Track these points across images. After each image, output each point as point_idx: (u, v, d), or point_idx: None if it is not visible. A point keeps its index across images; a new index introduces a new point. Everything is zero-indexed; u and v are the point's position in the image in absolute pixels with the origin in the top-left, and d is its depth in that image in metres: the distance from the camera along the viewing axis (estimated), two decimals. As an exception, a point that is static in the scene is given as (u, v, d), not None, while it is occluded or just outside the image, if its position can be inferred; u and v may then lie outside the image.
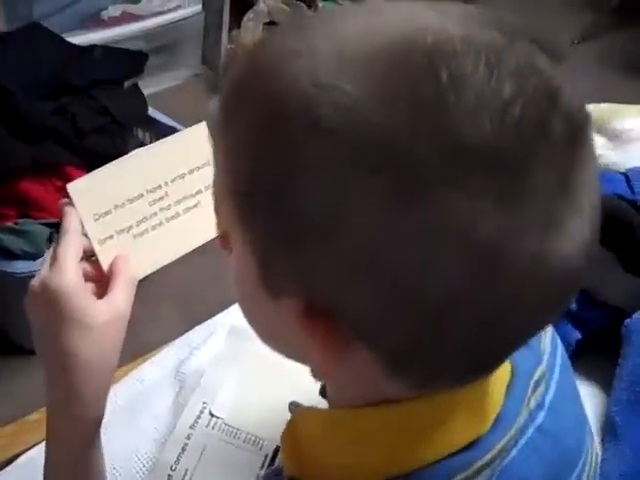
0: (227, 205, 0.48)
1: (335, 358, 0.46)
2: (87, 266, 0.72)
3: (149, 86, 1.93)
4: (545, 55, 0.43)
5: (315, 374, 0.51)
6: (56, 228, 1.58)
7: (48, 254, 0.70)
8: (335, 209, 0.41)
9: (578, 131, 0.43)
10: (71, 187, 0.71)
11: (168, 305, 1.84)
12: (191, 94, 2.55)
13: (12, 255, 1.55)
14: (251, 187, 0.45)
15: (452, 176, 0.40)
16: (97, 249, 0.72)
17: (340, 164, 0.41)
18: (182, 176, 0.76)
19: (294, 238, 0.44)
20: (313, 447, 0.55)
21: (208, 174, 0.75)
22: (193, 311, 1.75)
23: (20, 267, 1.55)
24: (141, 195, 0.74)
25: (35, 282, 0.68)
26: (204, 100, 2.49)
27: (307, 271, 0.44)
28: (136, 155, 0.75)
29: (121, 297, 0.69)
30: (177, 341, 1.14)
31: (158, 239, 0.75)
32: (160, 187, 0.75)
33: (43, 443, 0.73)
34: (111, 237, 0.72)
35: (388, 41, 0.42)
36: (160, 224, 0.75)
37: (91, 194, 0.71)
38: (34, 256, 1.55)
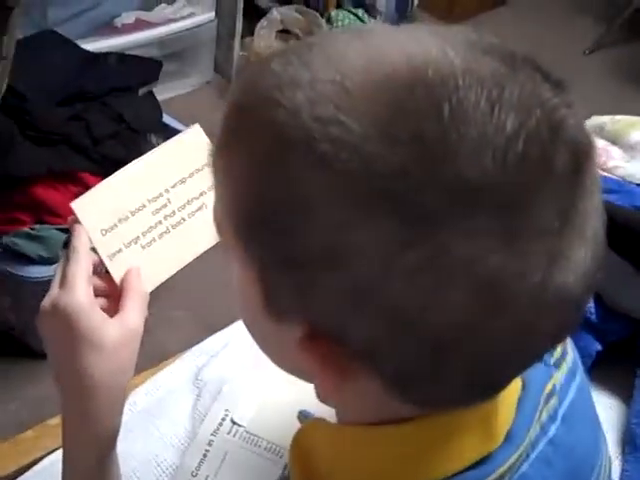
0: (229, 231, 0.48)
1: (336, 381, 0.47)
2: (98, 281, 0.72)
3: (161, 93, 1.93)
4: (548, 84, 0.43)
5: (319, 396, 0.51)
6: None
7: (57, 272, 0.70)
8: (337, 244, 0.41)
9: (583, 160, 0.43)
10: (75, 205, 0.71)
11: (183, 310, 1.85)
12: (203, 101, 2.56)
13: (28, 260, 1.55)
14: (252, 216, 0.45)
15: (456, 214, 0.39)
16: (108, 264, 0.71)
17: (342, 200, 0.40)
18: (183, 180, 0.76)
19: (296, 269, 0.43)
20: (319, 460, 0.55)
21: (208, 174, 0.76)
22: (207, 316, 1.77)
23: (36, 272, 1.56)
24: (144, 205, 0.74)
25: (46, 302, 0.67)
26: (216, 107, 2.50)
27: (308, 298, 0.44)
28: (134, 165, 0.74)
29: (133, 314, 0.69)
30: (195, 348, 1.14)
31: (167, 247, 0.75)
32: (162, 195, 0.75)
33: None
34: (120, 251, 0.72)
35: (390, 74, 0.41)
36: (166, 232, 0.75)
37: (95, 210, 0.71)
38: (50, 261, 1.56)
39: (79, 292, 0.66)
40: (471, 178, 0.39)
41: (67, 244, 0.71)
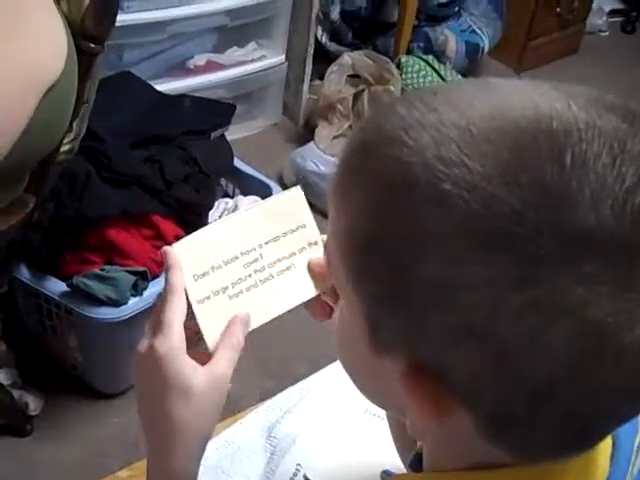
0: (341, 265, 0.50)
1: (433, 417, 0.47)
2: (189, 326, 0.72)
3: (228, 133, 1.94)
4: None
5: (412, 432, 0.51)
6: (141, 276, 1.59)
7: (153, 313, 0.71)
8: (450, 280, 0.42)
9: None
10: (177, 247, 0.72)
11: (247, 359, 1.83)
12: (270, 143, 2.58)
13: (97, 301, 1.56)
14: (369, 249, 0.46)
15: (570, 259, 0.40)
16: (196, 309, 0.72)
17: (459, 238, 0.42)
18: (276, 239, 0.77)
19: (406, 301, 0.45)
20: None
21: (302, 237, 0.78)
22: (270, 366, 1.75)
23: (104, 313, 1.57)
24: (236, 257, 0.75)
25: (142, 346, 0.69)
26: (282, 150, 2.51)
27: (415, 333, 0.46)
28: (233, 217, 0.76)
29: (223, 364, 0.69)
30: (268, 402, 1.12)
31: (252, 301, 0.75)
32: (255, 249, 0.76)
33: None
34: (208, 298, 0.73)
35: (514, 121, 0.43)
36: (254, 285, 0.76)
37: (191, 255, 0.72)
38: (118, 303, 1.56)
39: (175, 338, 0.67)
40: (587, 225, 0.40)
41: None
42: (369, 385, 0.56)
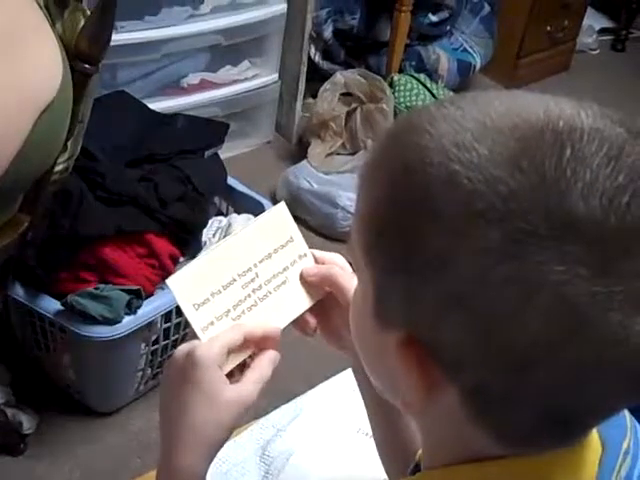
0: (358, 242, 0.55)
1: (426, 390, 0.51)
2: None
3: (222, 151, 1.95)
4: None
5: (404, 406, 0.56)
6: (135, 294, 1.59)
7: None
8: (449, 249, 0.47)
9: None
10: (171, 281, 0.73)
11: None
12: (263, 161, 2.58)
13: (91, 319, 1.56)
14: (381, 221, 0.51)
15: (558, 239, 0.44)
16: (201, 337, 0.74)
17: (462, 211, 0.46)
18: (269, 256, 0.79)
19: (407, 271, 0.49)
20: None
21: (292, 251, 0.80)
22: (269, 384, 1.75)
23: (98, 332, 1.57)
24: (234, 280, 0.76)
25: (184, 346, 0.72)
26: (276, 167, 2.52)
27: (412, 303, 0.50)
28: (224, 243, 0.78)
29: (250, 388, 0.73)
30: (261, 420, 1.12)
31: (254, 319, 0.77)
32: (250, 269, 0.78)
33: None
34: (212, 323, 0.75)
35: (525, 119, 0.48)
36: (254, 304, 0.78)
37: (188, 286, 0.74)
38: (112, 321, 1.56)
39: (216, 350, 0.71)
40: (576, 211, 0.44)
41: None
42: (372, 359, 0.60)
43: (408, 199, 0.49)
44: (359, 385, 0.83)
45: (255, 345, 0.76)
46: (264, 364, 0.75)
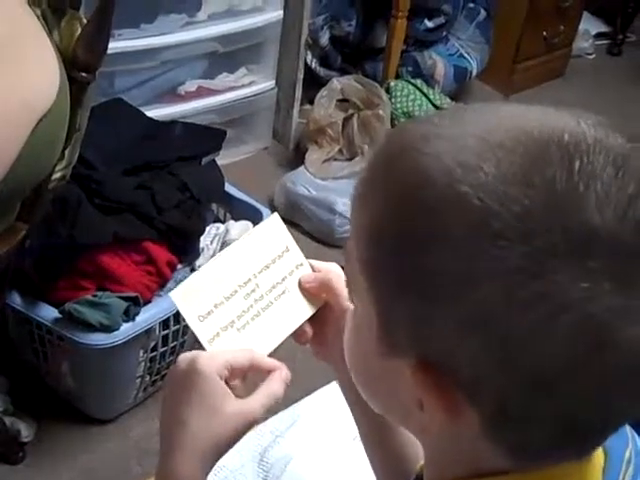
0: (357, 265, 0.53)
1: (446, 412, 0.50)
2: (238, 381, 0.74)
3: (219, 158, 1.96)
4: None
5: (422, 430, 0.54)
6: (133, 301, 1.59)
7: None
8: (465, 274, 0.46)
9: None
10: (174, 294, 0.74)
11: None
12: (260, 167, 2.59)
13: (89, 327, 1.56)
14: (386, 248, 0.50)
15: (579, 255, 0.44)
16: (208, 348, 0.74)
17: (473, 234, 0.45)
18: (267, 266, 0.80)
19: (417, 295, 0.48)
20: None
21: (289, 261, 0.81)
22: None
23: (96, 339, 1.57)
24: (235, 291, 0.77)
25: (187, 355, 0.71)
26: (272, 174, 2.52)
27: (424, 327, 0.48)
28: (224, 254, 0.78)
29: (256, 403, 0.71)
30: (259, 426, 1.12)
31: (259, 329, 0.78)
32: (250, 280, 0.78)
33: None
34: (218, 335, 0.75)
35: (527, 133, 0.47)
36: (257, 314, 0.78)
37: (192, 298, 0.75)
38: (110, 329, 1.56)
39: (220, 362, 0.70)
40: (593, 224, 0.44)
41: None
42: (375, 386, 0.58)
43: (411, 220, 0.48)
44: (347, 399, 0.81)
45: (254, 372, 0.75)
46: (275, 383, 0.74)
